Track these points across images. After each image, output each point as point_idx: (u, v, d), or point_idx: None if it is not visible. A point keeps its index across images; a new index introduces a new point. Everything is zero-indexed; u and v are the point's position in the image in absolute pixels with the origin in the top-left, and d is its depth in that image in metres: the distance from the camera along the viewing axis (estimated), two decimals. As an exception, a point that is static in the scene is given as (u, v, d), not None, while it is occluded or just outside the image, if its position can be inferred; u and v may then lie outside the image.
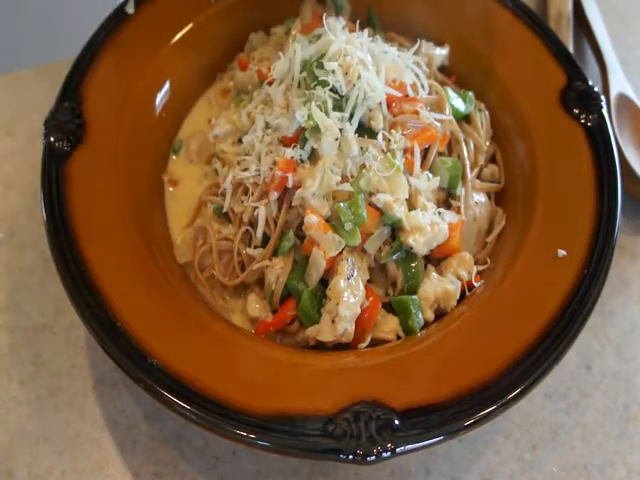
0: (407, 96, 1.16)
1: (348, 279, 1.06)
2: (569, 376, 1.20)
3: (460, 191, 1.19)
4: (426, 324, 1.11)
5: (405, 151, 1.12)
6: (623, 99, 1.42)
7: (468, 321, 1.06)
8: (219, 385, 0.95)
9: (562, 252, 1.07)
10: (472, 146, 1.24)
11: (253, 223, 1.14)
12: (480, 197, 1.22)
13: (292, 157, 1.09)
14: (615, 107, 1.39)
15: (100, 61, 1.23)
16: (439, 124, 1.17)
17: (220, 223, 1.19)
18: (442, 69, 1.36)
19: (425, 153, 1.16)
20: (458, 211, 1.18)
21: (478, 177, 1.25)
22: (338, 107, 1.09)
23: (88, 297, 1.00)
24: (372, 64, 1.12)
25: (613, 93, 1.42)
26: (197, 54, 1.34)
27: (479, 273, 1.16)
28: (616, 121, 1.37)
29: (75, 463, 1.11)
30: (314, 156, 1.10)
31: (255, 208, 1.12)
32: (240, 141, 1.20)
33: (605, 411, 1.18)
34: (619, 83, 1.45)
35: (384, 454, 0.89)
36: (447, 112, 1.20)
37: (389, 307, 1.12)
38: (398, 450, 0.89)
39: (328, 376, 0.99)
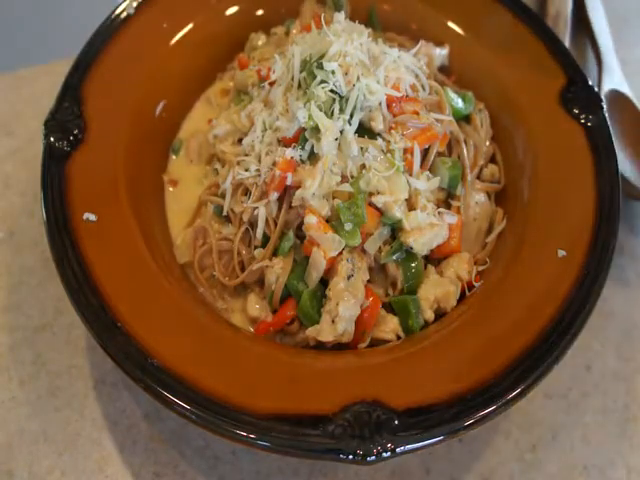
0: (407, 96, 1.16)
1: (348, 279, 1.06)
2: (569, 376, 1.20)
3: (460, 191, 1.19)
4: (426, 324, 1.11)
5: (405, 151, 1.12)
6: (614, 96, 1.42)
7: (468, 321, 1.06)
8: (219, 385, 0.95)
9: (562, 252, 1.07)
10: (472, 146, 1.24)
11: (253, 223, 1.14)
12: (480, 197, 1.22)
13: (292, 157, 1.09)
14: (606, 104, 1.39)
15: (100, 61, 1.23)
16: (439, 124, 1.17)
17: (220, 223, 1.19)
18: (442, 69, 1.36)
19: (425, 153, 1.16)
20: (458, 211, 1.18)
21: (478, 177, 1.25)
22: (338, 108, 1.09)
23: (88, 297, 1.00)
24: (372, 65, 1.12)
25: (604, 90, 1.43)
26: (197, 54, 1.34)
27: (479, 273, 1.16)
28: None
29: (75, 463, 1.11)
30: (314, 156, 1.10)
31: (255, 208, 1.12)
32: (240, 141, 1.20)
33: (605, 411, 1.18)
34: (612, 80, 1.45)
35: (384, 454, 0.89)
36: (447, 112, 1.20)
37: (389, 307, 1.12)
38: (398, 450, 0.89)
39: (328, 376, 0.99)
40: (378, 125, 1.11)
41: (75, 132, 1.15)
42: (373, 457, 0.88)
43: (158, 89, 1.29)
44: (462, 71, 1.35)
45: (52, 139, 1.13)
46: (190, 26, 1.33)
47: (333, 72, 1.08)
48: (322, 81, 1.08)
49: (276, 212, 1.12)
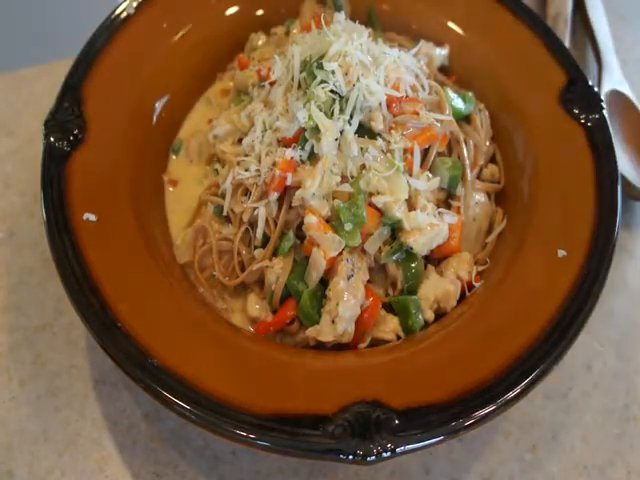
0: (407, 96, 1.16)
1: (348, 279, 1.06)
2: (569, 376, 1.20)
3: (460, 191, 1.19)
4: (426, 324, 1.11)
5: (405, 151, 1.12)
6: (614, 96, 1.42)
7: (468, 321, 1.06)
8: (219, 385, 0.95)
9: (562, 252, 1.07)
10: (472, 146, 1.24)
11: (253, 223, 1.14)
12: (480, 197, 1.22)
13: (292, 157, 1.09)
14: (606, 104, 1.39)
15: (100, 61, 1.23)
16: (439, 124, 1.17)
17: (220, 223, 1.19)
18: (442, 69, 1.36)
19: (425, 153, 1.16)
20: (458, 211, 1.18)
21: (478, 177, 1.25)
22: (338, 108, 1.09)
23: (88, 297, 1.00)
24: (372, 65, 1.13)
25: (604, 90, 1.43)
26: (197, 54, 1.34)
27: (479, 273, 1.16)
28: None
29: (75, 463, 1.11)
30: (314, 156, 1.10)
31: (255, 208, 1.12)
32: (240, 141, 1.20)
33: (605, 411, 1.18)
34: (612, 80, 1.45)
35: (384, 454, 0.89)
36: (447, 112, 1.20)
37: (389, 307, 1.12)
38: (398, 450, 0.89)
39: (328, 376, 0.99)
40: (378, 125, 1.11)
41: (75, 132, 1.15)
42: (373, 457, 0.88)
43: (158, 89, 1.29)
44: (462, 71, 1.35)
45: (52, 139, 1.13)
46: (190, 26, 1.33)
47: (333, 72, 1.08)
48: (322, 81, 1.08)
49: (276, 212, 1.12)
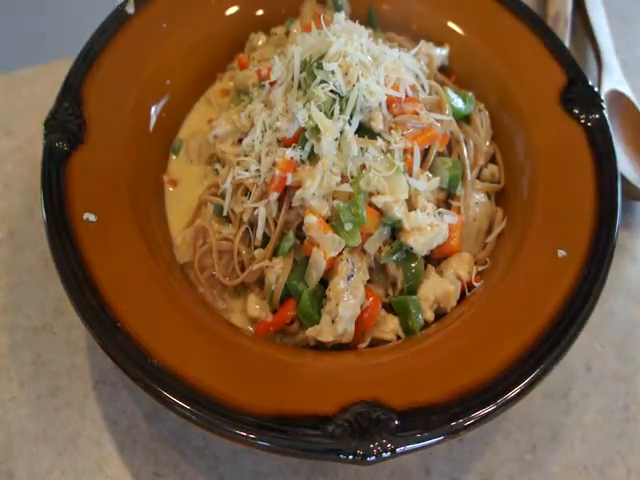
0: (407, 96, 1.16)
1: (348, 279, 1.06)
2: (569, 376, 1.20)
3: (460, 191, 1.19)
4: (426, 324, 1.11)
5: (405, 151, 1.12)
6: (614, 96, 1.42)
7: (468, 321, 1.06)
8: (219, 385, 0.95)
9: (562, 252, 1.07)
10: (472, 146, 1.24)
11: (253, 223, 1.14)
12: (480, 197, 1.22)
13: (292, 157, 1.09)
14: (606, 104, 1.39)
15: (100, 61, 1.23)
16: (439, 124, 1.17)
17: (220, 223, 1.19)
18: (442, 69, 1.36)
19: (425, 153, 1.16)
20: (458, 211, 1.18)
21: (478, 177, 1.25)
22: (338, 108, 1.09)
23: (88, 297, 1.00)
24: (372, 65, 1.13)
25: (605, 90, 1.43)
26: (197, 54, 1.34)
27: (479, 273, 1.16)
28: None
29: (75, 463, 1.11)
30: (314, 156, 1.10)
31: (255, 208, 1.12)
32: (240, 141, 1.20)
33: (605, 411, 1.18)
34: (612, 80, 1.45)
35: (384, 454, 0.89)
36: (447, 112, 1.20)
37: (389, 307, 1.12)
38: (398, 450, 0.89)
39: (328, 376, 0.99)
40: (378, 125, 1.11)
41: (75, 132, 1.15)
42: (373, 457, 0.88)
43: (158, 89, 1.29)
44: (462, 71, 1.36)
45: (52, 139, 1.13)
46: (190, 26, 1.33)
47: (333, 72, 1.08)
48: (322, 81, 1.08)
49: (276, 212, 1.12)
